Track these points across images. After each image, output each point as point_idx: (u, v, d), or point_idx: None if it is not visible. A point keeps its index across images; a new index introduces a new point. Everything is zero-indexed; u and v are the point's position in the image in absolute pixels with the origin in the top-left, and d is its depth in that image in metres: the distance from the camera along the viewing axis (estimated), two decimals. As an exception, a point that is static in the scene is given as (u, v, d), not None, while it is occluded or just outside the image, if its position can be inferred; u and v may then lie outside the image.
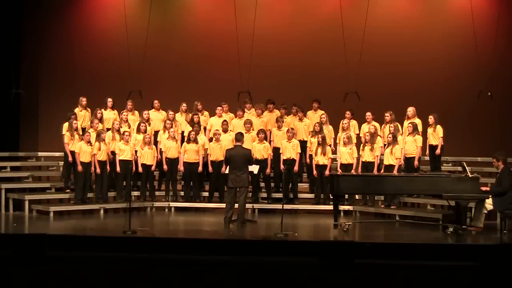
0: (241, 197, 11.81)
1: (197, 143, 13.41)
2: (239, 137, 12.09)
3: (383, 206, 12.93)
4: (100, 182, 13.14)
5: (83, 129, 13.46)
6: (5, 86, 14.07)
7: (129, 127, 13.60)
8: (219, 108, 13.97)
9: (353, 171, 12.81)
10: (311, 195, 13.55)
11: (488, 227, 11.34)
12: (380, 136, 13.22)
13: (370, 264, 8.90)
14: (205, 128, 13.98)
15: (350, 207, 13.11)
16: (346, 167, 12.92)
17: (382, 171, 12.72)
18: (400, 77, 15.14)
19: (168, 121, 13.60)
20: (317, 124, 13.33)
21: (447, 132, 13.07)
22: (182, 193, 13.69)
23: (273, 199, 13.53)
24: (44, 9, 15.56)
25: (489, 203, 11.13)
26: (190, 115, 13.85)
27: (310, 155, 13.36)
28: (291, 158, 13.26)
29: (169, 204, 13.49)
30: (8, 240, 9.21)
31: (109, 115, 13.85)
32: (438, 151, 12.91)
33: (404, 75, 15.15)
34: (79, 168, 12.85)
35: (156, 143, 13.60)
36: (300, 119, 13.84)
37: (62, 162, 13.70)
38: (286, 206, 12.30)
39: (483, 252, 8.77)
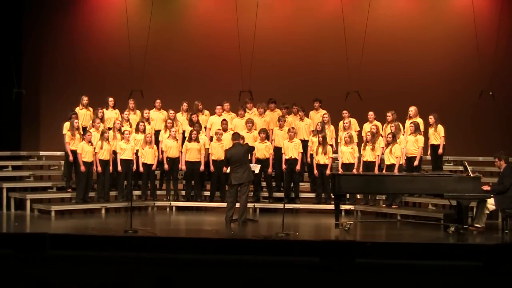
0: (242, 196, 11.79)
1: (198, 142, 13.41)
2: (236, 136, 12.06)
3: (384, 205, 12.91)
4: (102, 182, 13.14)
5: (84, 128, 13.46)
6: (7, 85, 14.06)
7: (131, 127, 13.61)
8: (218, 107, 13.94)
9: (354, 171, 12.80)
10: (313, 195, 13.54)
11: (490, 227, 11.32)
12: (382, 136, 13.21)
13: (371, 263, 8.91)
14: (206, 128, 13.98)
15: (351, 207, 13.09)
16: (347, 166, 12.90)
17: (384, 170, 12.71)
18: (402, 77, 15.13)
19: (169, 121, 13.60)
20: (319, 124, 13.32)
21: (449, 131, 13.05)
22: (183, 192, 13.69)
23: (274, 198, 13.53)
24: (45, 9, 15.59)
25: (491, 204, 11.10)
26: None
27: (311, 155, 13.35)
28: (293, 157, 13.25)
29: (170, 203, 13.49)
30: (10, 239, 9.25)
31: (111, 114, 13.84)
32: (440, 150, 12.88)
33: (405, 74, 15.13)
34: (82, 168, 12.84)
35: (157, 142, 13.61)
36: (301, 119, 13.81)
37: (64, 161, 13.71)
38: (288, 206, 12.32)
39: (485, 251, 8.77)
